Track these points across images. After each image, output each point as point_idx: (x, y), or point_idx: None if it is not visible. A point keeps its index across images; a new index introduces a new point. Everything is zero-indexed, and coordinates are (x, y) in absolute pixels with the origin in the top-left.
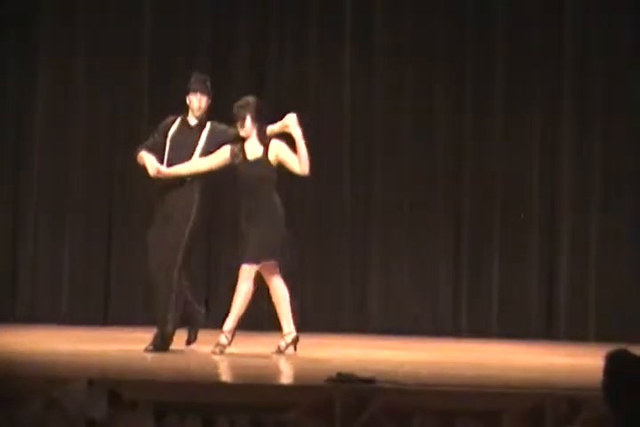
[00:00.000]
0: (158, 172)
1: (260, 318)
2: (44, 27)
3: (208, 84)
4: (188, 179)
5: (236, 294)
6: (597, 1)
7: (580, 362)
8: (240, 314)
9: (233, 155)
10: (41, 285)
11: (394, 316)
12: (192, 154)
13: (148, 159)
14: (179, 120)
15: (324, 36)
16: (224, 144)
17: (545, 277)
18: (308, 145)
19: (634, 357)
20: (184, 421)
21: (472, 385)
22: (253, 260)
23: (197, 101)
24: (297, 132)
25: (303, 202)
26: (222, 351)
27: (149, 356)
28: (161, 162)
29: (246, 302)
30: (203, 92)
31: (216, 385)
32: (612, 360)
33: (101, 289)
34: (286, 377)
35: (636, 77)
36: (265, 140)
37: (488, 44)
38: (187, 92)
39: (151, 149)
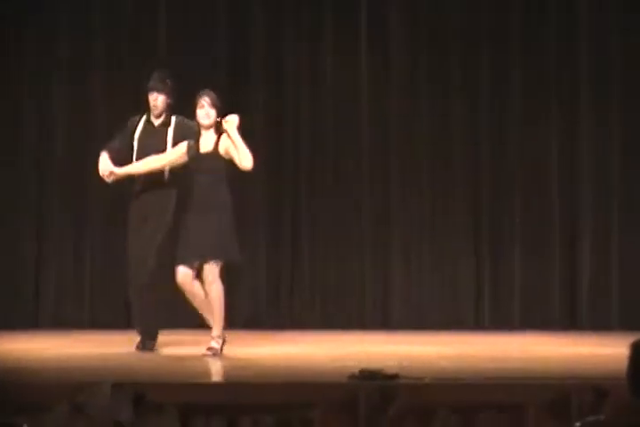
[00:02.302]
0: (111, 173)
1: (283, 316)
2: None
3: (168, 81)
4: (166, 181)
5: (212, 295)
6: None
7: (603, 351)
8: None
9: (189, 149)
10: (64, 289)
11: (416, 310)
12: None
13: (101, 161)
14: (143, 120)
15: (339, 29)
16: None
17: (567, 266)
18: (328, 140)
19: None
20: (209, 422)
21: (496, 378)
22: (217, 257)
23: (153, 100)
24: (233, 133)
25: (322, 198)
26: (215, 355)
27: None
28: (128, 163)
29: (223, 301)
30: (160, 91)
31: (240, 386)
32: (636, 349)
33: (123, 293)
34: (309, 375)
35: None
36: (218, 132)
37: (504, 33)
38: (146, 91)
39: (117, 151)
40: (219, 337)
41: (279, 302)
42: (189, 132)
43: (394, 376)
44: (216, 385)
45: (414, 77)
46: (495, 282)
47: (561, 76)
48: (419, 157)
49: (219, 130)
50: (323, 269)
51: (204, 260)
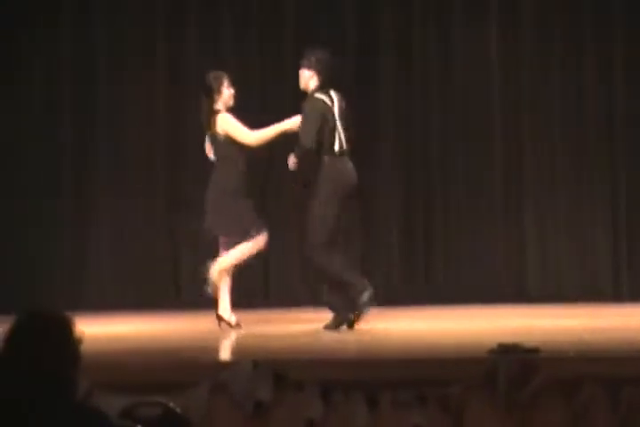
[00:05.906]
0: None
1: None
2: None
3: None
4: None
5: None
6: None
7: None
8: None
9: None
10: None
11: (552, 284)
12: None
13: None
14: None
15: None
16: None
17: None
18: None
19: None
20: (349, 398)
21: (638, 351)
22: None
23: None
24: None
25: (454, 173)
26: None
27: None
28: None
29: None
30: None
31: (380, 362)
32: None
33: (261, 271)
34: (448, 350)
35: None
36: None
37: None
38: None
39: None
40: None
41: (414, 277)
42: None
43: (534, 350)
44: (356, 362)
45: (546, 52)
46: (634, 253)
47: None
48: (552, 127)
49: None
50: (457, 243)
51: None
